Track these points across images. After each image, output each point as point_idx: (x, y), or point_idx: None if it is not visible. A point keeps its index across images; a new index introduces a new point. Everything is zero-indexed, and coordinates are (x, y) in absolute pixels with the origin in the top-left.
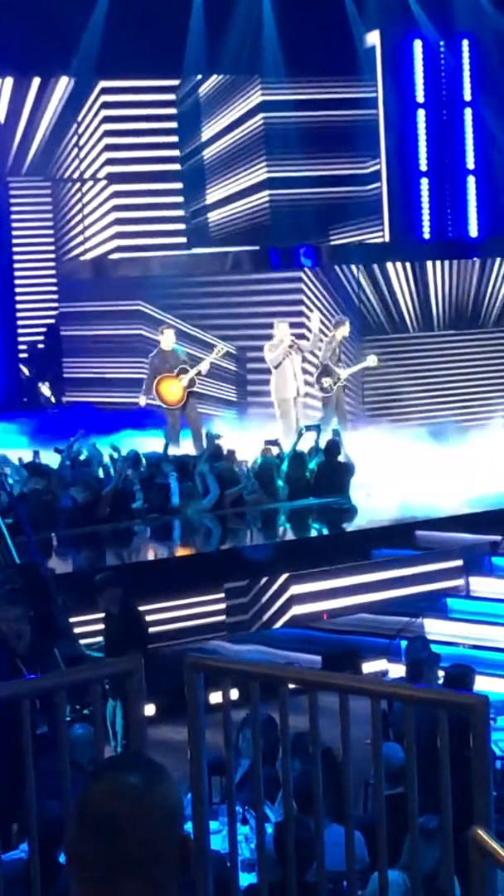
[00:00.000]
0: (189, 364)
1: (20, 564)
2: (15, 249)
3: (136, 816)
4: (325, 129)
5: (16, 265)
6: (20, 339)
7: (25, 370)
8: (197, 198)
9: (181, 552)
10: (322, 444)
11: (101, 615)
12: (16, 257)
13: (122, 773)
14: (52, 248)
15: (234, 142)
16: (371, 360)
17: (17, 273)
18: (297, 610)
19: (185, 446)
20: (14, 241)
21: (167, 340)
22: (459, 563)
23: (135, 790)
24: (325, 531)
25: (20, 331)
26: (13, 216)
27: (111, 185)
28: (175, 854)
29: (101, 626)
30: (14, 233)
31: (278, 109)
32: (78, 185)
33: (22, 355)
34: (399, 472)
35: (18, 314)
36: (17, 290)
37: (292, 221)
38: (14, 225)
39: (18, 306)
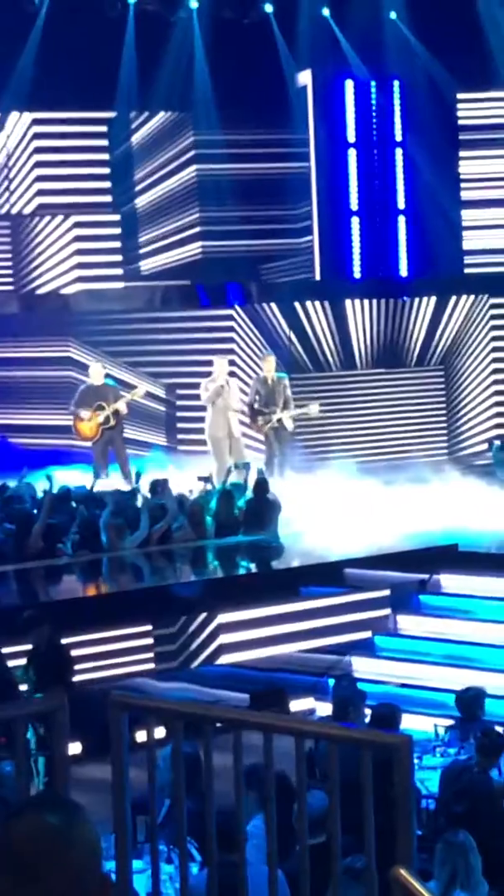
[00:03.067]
0: (112, 400)
1: None
2: None
3: (56, 856)
4: (257, 180)
5: None
6: None
7: None
8: (129, 245)
9: (110, 589)
10: (251, 482)
11: (29, 650)
12: None
13: (41, 812)
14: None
15: (167, 191)
16: (313, 409)
17: None
18: (225, 648)
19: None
20: None
21: (94, 374)
22: (387, 601)
23: (53, 830)
24: (254, 568)
25: None
26: None
27: (42, 221)
28: (95, 893)
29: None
30: None
31: (211, 161)
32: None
33: None
34: (327, 510)
35: None
36: None
37: (224, 266)
38: None
39: None
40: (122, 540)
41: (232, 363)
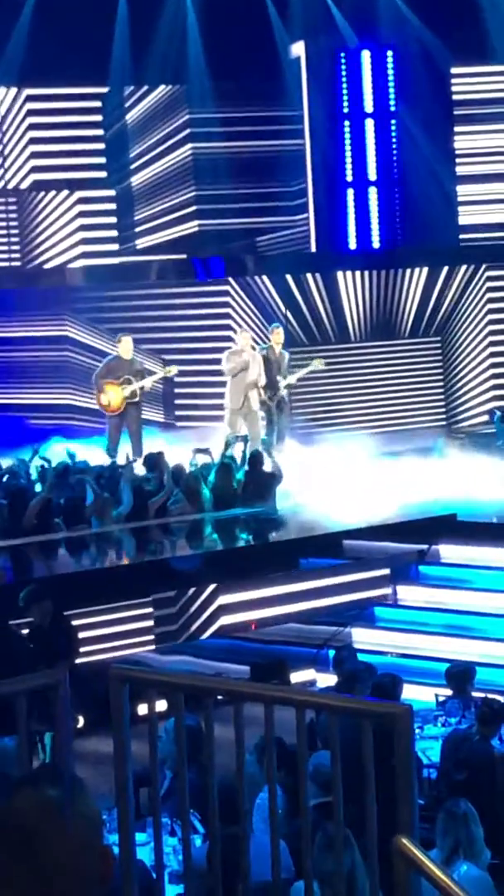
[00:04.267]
0: (139, 376)
1: None
2: None
3: (56, 830)
4: (252, 157)
5: None
6: None
7: None
8: (125, 223)
9: (107, 563)
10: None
11: (29, 628)
12: None
13: (40, 786)
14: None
15: (163, 170)
16: (317, 364)
17: None
18: (225, 620)
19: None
20: None
21: (125, 348)
22: (387, 571)
23: (53, 803)
24: (253, 541)
25: None
26: None
27: (38, 197)
28: (96, 866)
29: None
30: None
31: (206, 139)
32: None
33: None
34: (325, 482)
35: None
36: None
37: (221, 243)
38: None
39: None
40: (109, 514)
41: (229, 339)
